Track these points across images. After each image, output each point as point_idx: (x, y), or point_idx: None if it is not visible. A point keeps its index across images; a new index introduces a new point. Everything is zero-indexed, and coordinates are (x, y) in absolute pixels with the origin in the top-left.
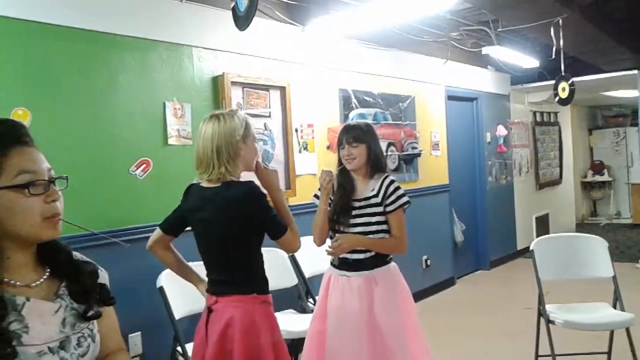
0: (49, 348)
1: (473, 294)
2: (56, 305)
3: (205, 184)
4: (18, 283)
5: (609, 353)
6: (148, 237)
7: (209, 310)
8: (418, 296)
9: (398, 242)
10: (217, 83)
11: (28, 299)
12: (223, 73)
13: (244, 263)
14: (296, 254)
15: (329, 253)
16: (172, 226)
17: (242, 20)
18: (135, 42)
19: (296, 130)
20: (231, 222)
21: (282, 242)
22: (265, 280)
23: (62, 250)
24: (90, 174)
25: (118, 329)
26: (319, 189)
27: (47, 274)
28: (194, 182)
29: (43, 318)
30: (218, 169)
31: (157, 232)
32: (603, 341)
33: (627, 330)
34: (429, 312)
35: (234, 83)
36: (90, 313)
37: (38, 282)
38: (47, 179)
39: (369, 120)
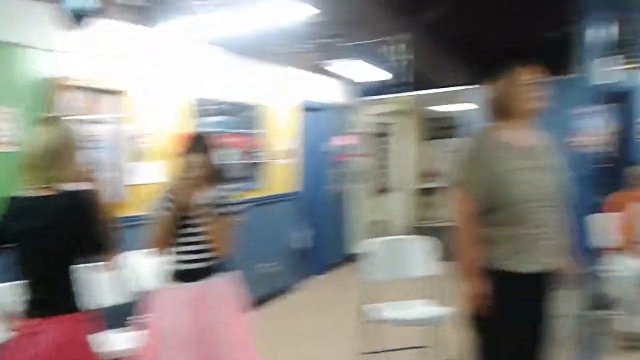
0: None
1: (309, 299)
2: None
3: (31, 193)
4: None
5: (422, 347)
6: None
7: (27, 334)
8: (257, 303)
9: (224, 241)
10: (47, 86)
11: None
12: (55, 75)
13: (65, 278)
14: (128, 268)
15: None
16: None
17: (74, 20)
18: None
19: (135, 138)
20: (59, 232)
21: (104, 259)
22: (80, 297)
23: None
24: None
25: None
26: (159, 198)
27: None
28: (17, 194)
29: None
30: (46, 174)
31: None
32: (431, 336)
33: (447, 324)
34: (268, 319)
35: (68, 86)
36: None
37: None
38: None
39: (218, 129)
